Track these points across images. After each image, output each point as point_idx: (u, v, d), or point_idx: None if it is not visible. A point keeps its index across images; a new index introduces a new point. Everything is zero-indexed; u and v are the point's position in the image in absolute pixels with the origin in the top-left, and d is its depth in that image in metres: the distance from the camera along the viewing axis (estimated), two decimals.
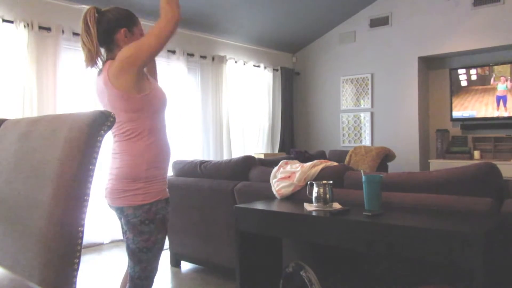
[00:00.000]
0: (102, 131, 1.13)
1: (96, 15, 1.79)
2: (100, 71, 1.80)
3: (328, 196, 2.21)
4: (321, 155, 5.48)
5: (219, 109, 5.88)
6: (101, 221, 4.35)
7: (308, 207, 2.25)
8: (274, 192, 2.63)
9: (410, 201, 2.16)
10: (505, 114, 5.44)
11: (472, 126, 5.71)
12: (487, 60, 5.60)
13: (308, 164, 2.70)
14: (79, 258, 1.11)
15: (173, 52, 5.27)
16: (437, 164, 5.57)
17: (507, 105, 5.42)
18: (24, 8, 4.09)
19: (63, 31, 4.29)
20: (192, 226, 3.32)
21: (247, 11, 5.58)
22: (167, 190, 1.87)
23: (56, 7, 4.33)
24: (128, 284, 1.84)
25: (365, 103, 6.47)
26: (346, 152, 5.44)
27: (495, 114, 5.52)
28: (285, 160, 2.86)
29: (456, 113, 5.81)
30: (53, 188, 1.09)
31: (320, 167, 2.66)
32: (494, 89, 5.51)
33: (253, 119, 6.48)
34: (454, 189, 2.11)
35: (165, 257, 3.46)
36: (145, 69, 1.85)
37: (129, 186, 1.73)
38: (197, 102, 5.73)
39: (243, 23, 5.87)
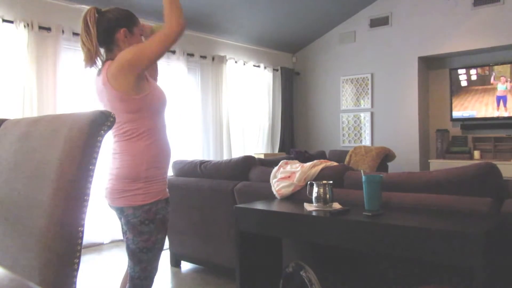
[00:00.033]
0: (102, 131, 1.13)
1: (96, 15, 1.79)
2: (100, 71, 1.80)
3: (328, 196, 2.21)
4: (321, 155, 5.48)
5: (219, 109, 5.88)
6: (101, 221, 4.35)
7: (308, 207, 2.25)
8: (274, 192, 2.63)
9: (410, 201, 2.16)
10: (505, 114, 5.44)
11: (472, 126, 5.71)
12: (487, 60, 5.60)
13: (308, 164, 2.70)
14: (79, 258, 1.11)
15: (173, 52, 5.27)
16: (437, 164, 5.57)
17: (507, 105, 5.42)
18: (24, 8, 4.09)
19: (63, 31, 4.29)
20: (192, 226, 3.32)
21: (247, 11, 5.58)
22: (167, 190, 1.87)
23: (56, 7, 4.33)
24: (128, 284, 1.84)
25: (365, 103, 6.47)
26: (346, 152, 5.44)
27: (495, 114, 5.52)
28: (285, 160, 2.86)
29: (456, 113, 5.81)
30: (53, 188, 1.09)
31: (320, 167, 2.66)
32: (494, 89, 5.51)
33: (253, 119, 6.48)
34: (454, 189, 2.11)
35: (165, 257, 3.46)
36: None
37: (129, 186, 1.73)
38: (197, 102, 5.73)
39: (243, 23, 5.87)
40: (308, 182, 2.40)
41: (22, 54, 3.99)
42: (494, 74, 5.47)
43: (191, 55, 5.53)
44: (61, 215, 1.08)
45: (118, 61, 1.72)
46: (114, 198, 1.77)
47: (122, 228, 1.83)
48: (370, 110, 6.42)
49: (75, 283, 1.11)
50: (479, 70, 5.61)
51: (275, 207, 2.41)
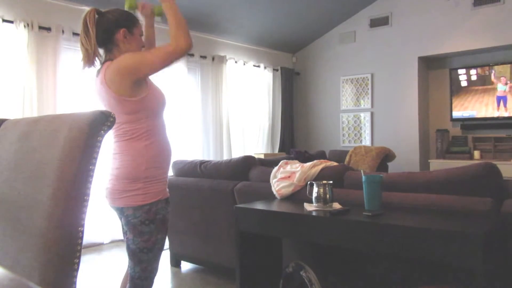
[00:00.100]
0: (102, 131, 1.13)
1: (96, 16, 1.79)
2: (98, 71, 1.81)
3: (328, 196, 2.21)
4: (321, 155, 5.48)
5: (219, 109, 5.88)
6: (101, 221, 4.35)
7: (308, 207, 2.25)
8: (274, 192, 2.63)
9: (410, 201, 2.16)
10: (505, 114, 5.44)
11: (472, 126, 5.71)
12: (487, 60, 5.60)
13: (308, 164, 2.70)
14: (79, 258, 1.11)
15: None
16: (437, 164, 5.57)
17: (507, 105, 5.42)
18: (24, 8, 4.09)
19: (63, 31, 4.29)
20: (192, 226, 3.32)
21: (247, 11, 5.58)
22: (167, 190, 1.87)
23: (56, 7, 4.33)
24: (128, 284, 1.84)
25: (365, 103, 6.47)
26: (346, 152, 5.44)
27: (495, 114, 5.52)
28: (285, 160, 2.86)
29: (456, 113, 5.81)
30: (53, 188, 1.09)
31: (320, 167, 2.66)
32: (494, 89, 5.51)
33: (253, 119, 6.47)
34: (454, 189, 2.11)
35: (165, 257, 3.46)
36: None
37: (129, 186, 1.74)
38: (197, 102, 5.73)
39: (243, 23, 5.87)
40: (308, 182, 2.40)
41: (22, 54, 3.99)
42: (494, 71, 5.47)
43: (191, 55, 5.53)
44: (61, 215, 1.08)
45: (117, 64, 1.72)
46: (115, 199, 1.78)
47: (123, 228, 1.83)
48: (370, 110, 6.42)
49: (75, 283, 1.11)
50: (479, 70, 5.61)
51: (275, 207, 2.41)
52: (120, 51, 1.80)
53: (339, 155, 5.40)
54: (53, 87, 4.19)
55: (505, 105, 5.44)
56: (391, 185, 2.28)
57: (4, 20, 3.91)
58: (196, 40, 6.41)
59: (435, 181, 2.19)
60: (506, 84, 5.41)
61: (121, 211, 1.78)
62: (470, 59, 5.76)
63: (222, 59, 5.94)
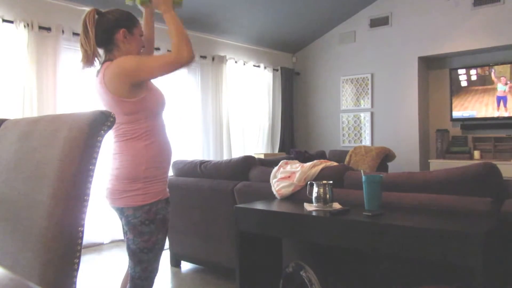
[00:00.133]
0: (102, 131, 1.13)
1: (96, 16, 1.80)
2: (98, 72, 1.81)
3: (328, 196, 2.21)
4: (321, 155, 5.48)
5: (219, 109, 5.88)
6: (101, 221, 4.35)
7: (308, 207, 2.25)
8: (274, 192, 2.63)
9: (410, 201, 2.16)
10: (505, 114, 5.44)
11: (472, 126, 5.71)
12: (487, 60, 5.60)
13: (308, 164, 2.70)
14: (79, 258, 1.11)
15: None
16: (437, 164, 5.57)
17: (507, 105, 5.42)
18: (24, 8, 4.08)
19: (63, 31, 4.29)
20: (192, 226, 3.32)
21: (247, 11, 5.58)
22: (168, 189, 1.87)
23: (56, 7, 4.33)
24: (128, 284, 1.84)
25: (365, 103, 6.47)
26: (346, 152, 5.44)
27: (495, 114, 5.52)
28: (285, 160, 2.86)
29: (456, 113, 5.81)
30: (53, 188, 1.09)
31: (320, 167, 2.66)
32: (494, 89, 5.51)
33: (253, 119, 6.47)
34: (454, 189, 2.11)
35: (165, 257, 3.46)
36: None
37: (129, 186, 1.74)
38: (197, 102, 5.73)
39: (243, 23, 5.87)
40: (308, 182, 2.40)
41: (22, 54, 3.99)
42: (494, 70, 5.47)
43: None
44: (61, 215, 1.08)
45: (116, 66, 1.73)
46: (115, 199, 1.78)
47: (123, 228, 1.84)
48: (370, 110, 6.42)
49: (75, 283, 1.11)
50: (479, 70, 5.61)
51: (275, 207, 2.41)
52: (120, 51, 1.81)
53: (339, 155, 5.40)
54: (53, 87, 4.19)
55: (505, 105, 5.44)
56: (391, 185, 2.28)
57: (4, 20, 3.91)
58: (196, 40, 6.40)
59: (435, 181, 2.19)
60: (506, 84, 5.41)
61: (121, 211, 1.78)
62: (470, 59, 5.76)
63: (222, 59, 5.94)
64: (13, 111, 3.91)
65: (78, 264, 1.10)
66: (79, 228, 1.10)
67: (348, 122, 6.66)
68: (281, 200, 2.57)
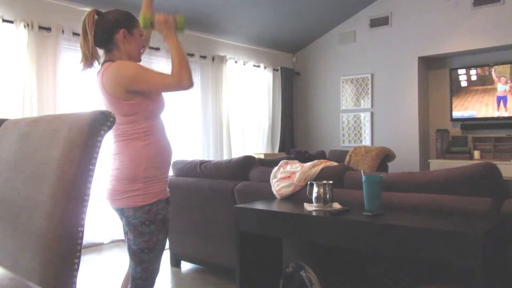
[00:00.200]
0: (102, 131, 1.13)
1: (96, 17, 1.80)
2: (98, 72, 1.82)
3: (328, 196, 2.21)
4: (321, 155, 5.48)
5: (219, 109, 5.88)
6: (101, 221, 4.35)
7: (308, 207, 2.25)
8: (274, 192, 2.63)
9: (410, 201, 2.16)
10: (505, 114, 5.44)
11: (472, 126, 5.71)
12: (487, 60, 5.60)
13: (308, 164, 2.70)
14: (79, 258, 1.11)
15: None
16: (437, 164, 5.57)
17: (507, 105, 5.42)
18: (24, 8, 4.08)
19: (63, 31, 4.29)
20: (192, 226, 3.32)
21: (247, 11, 5.58)
22: (168, 189, 1.87)
23: (56, 7, 4.33)
24: (129, 285, 1.84)
25: (365, 103, 6.47)
26: (346, 152, 5.44)
27: (495, 114, 5.52)
28: (285, 160, 2.86)
29: (456, 113, 5.81)
30: (53, 188, 1.09)
31: (320, 167, 2.66)
32: (494, 89, 5.51)
33: (253, 119, 6.47)
34: (454, 189, 2.11)
35: (165, 257, 3.45)
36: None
37: (129, 187, 1.73)
38: (197, 102, 5.73)
39: (243, 23, 5.87)
40: (308, 182, 2.40)
41: (22, 54, 3.99)
42: (494, 70, 5.47)
43: (191, 55, 5.53)
44: (61, 215, 1.08)
45: (116, 69, 1.73)
46: (115, 199, 1.78)
47: (124, 229, 1.83)
48: (370, 110, 6.42)
49: (75, 283, 1.11)
50: (479, 70, 5.61)
51: (275, 207, 2.41)
52: (120, 51, 1.81)
53: (339, 155, 5.40)
54: (53, 87, 4.19)
55: (505, 105, 5.44)
56: (391, 185, 2.28)
57: (4, 20, 3.91)
58: (196, 40, 6.35)
59: (435, 181, 2.19)
60: (506, 83, 5.40)
61: (121, 212, 1.77)
62: (470, 59, 5.76)
63: (222, 59, 5.94)
64: (13, 111, 3.91)
65: (78, 264, 1.10)
66: (79, 228, 1.10)
67: (348, 122, 6.66)
68: (281, 200, 2.57)
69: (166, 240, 1.85)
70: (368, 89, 6.41)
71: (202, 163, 3.38)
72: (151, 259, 1.79)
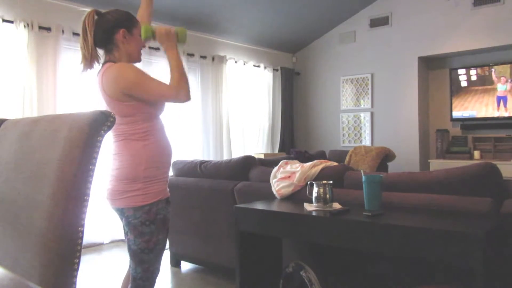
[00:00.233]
0: (102, 131, 1.13)
1: (96, 17, 1.80)
2: (99, 72, 1.82)
3: (328, 196, 2.21)
4: (321, 155, 5.48)
5: (219, 109, 5.88)
6: (101, 221, 4.35)
7: (308, 207, 2.25)
8: (274, 192, 2.63)
9: (410, 201, 2.16)
10: (505, 114, 5.44)
11: (472, 126, 5.71)
12: (487, 60, 5.60)
13: (308, 164, 2.70)
14: (79, 258, 1.11)
15: None
16: (437, 164, 5.57)
17: (507, 105, 5.41)
18: (24, 8, 4.08)
19: (63, 31, 4.29)
20: (192, 226, 3.32)
21: (247, 11, 5.58)
22: (168, 189, 1.87)
23: (56, 7, 4.33)
24: (130, 285, 1.84)
25: (365, 103, 6.47)
26: (346, 152, 5.44)
27: (495, 114, 5.52)
28: (285, 160, 2.86)
29: (456, 113, 5.81)
30: (53, 188, 1.09)
31: (320, 167, 2.66)
32: (494, 89, 5.51)
33: (253, 119, 6.47)
34: (454, 189, 2.11)
35: (165, 257, 3.45)
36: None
37: (129, 187, 1.73)
38: (197, 102, 5.73)
39: (243, 23, 5.87)
40: (308, 182, 2.40)
41: (22, 54, 3.99)
42: (494, 70, 5.47)
43: (191, 55, 5.53)
44: (61, 215, 1.08)
45: (117, 71, 1.73)
46: (115, 200, 1.77)
47: (124, 229, 1.83)
48: (370, 110, 6.42)
49: (75, 283, 1.11)
50: (479, 70, 5.61)
51: (275, 207, 2.41)
52: (120, 51, 1.81)
53: (339, 155, 5.40)
54: (53, 87, 4.19)
55: (505, 105, 5.44)
56: (391, 185, 2.28)
57: (4, 20, 3.91)
58: (196, 40, 6.35)
59: (435, 181, 2.19)
60: (506, 82, 5.40)
61: (121, 212, 1.77)
62: (470, 59, 5.76)
63: (222, 59, 5.94)
64: (13, 111, 3.91)
65: (78, 264, 1.10)
66: (79, 228, 1.10)
67: (348, 122, 6.66)
68: (281, 200, 2.57)
69: (166, 240, 1.85)
70: (368, 89, 6.41)
71: (202, 163, 3.38)
72: (152, 259, 1.79)
